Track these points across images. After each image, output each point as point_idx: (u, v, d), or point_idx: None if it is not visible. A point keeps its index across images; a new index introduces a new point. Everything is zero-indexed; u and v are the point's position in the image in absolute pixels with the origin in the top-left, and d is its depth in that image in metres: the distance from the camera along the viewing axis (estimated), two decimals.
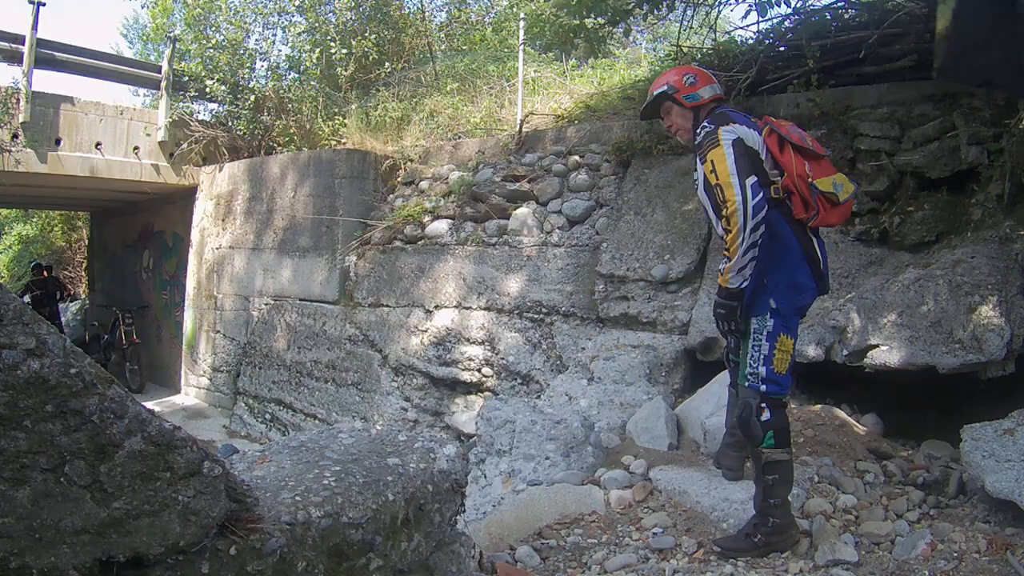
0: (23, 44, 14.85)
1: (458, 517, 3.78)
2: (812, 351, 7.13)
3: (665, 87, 5.37)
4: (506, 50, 17.89)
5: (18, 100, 14.72)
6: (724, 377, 6.55)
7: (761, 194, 4.73)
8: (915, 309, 6.82)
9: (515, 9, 17.63)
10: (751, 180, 4.72)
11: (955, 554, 4.60)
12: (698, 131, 5.10)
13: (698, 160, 5.05)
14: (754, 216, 4.70)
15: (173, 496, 2.38)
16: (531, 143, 11.83)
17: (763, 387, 4.92)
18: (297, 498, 2.91)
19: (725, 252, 4.94)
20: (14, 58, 15.00)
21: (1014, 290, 6.59)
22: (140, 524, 2.29)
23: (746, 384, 5.00)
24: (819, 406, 7.01)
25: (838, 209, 5.04)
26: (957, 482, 5.73)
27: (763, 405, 4.90)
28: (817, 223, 5.02)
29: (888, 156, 8.29)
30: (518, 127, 12.13)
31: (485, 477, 6.33)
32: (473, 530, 4.67)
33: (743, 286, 4.87)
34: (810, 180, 4.95)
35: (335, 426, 3.84)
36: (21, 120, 14.62)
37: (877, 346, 6.88)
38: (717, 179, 4.80)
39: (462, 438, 9.62)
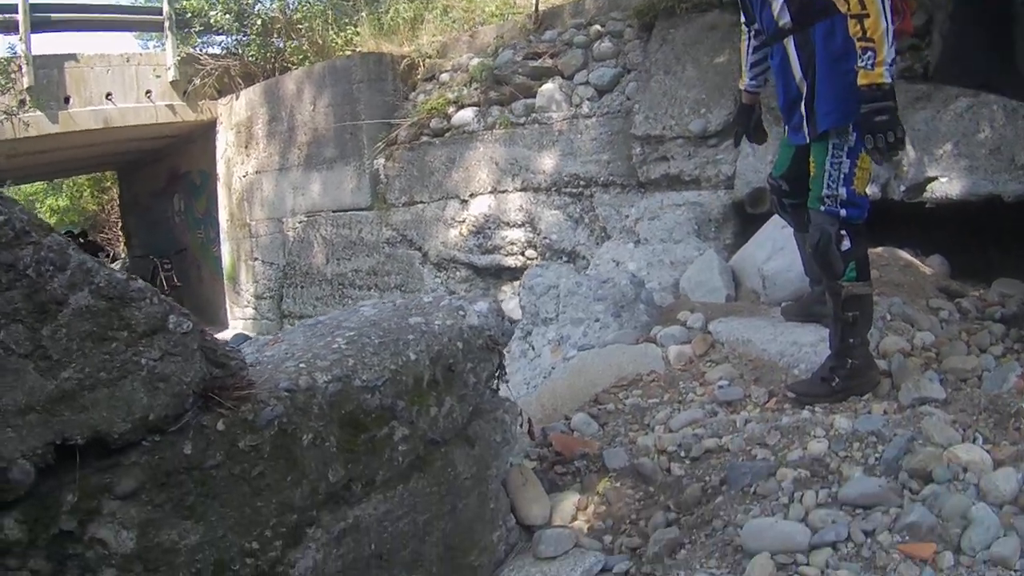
0: (16, 12, 14.60)
1: (500, 382, 3.46)
2: (868, 189, 6.71)
3: None
4: None
5: (20, 67, 14.54)
6: (778, 220, 6.14)
7: None
8: (971, 137, 6.41)
9: None
10: None
11: None
12: None
13: None
14: None
15: (134, 360, 2.03)
16: (550, 20, 11.40)
17: (843, 211, 4.33)
18: (301, 365, 2.57)
19: (862, 42, 3.99)
20: (9, 28, 14.88)
21: None
22: (97, 397, 1.95)
23: (822, 208, 4.40)
24: (880, 248, 6.55)
25: (909, 19, 4.46)
26: None
27: (843, 232, 4.34)
28: (899, 29, 4.26)
29: None
30: (535, 5, 11.68)
31: (533, 349, 6.00)
32: (524, 405, 4.31)
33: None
34: None
35: (359, 304, 3.51)
36: (26, 85, 14.45)
37: (935, 178, 6.50)
38: None
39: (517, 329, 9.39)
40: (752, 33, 4.97)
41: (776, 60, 4.65)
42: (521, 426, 3.81)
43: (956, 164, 6.37)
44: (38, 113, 14.54)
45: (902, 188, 6.64)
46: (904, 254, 6.46)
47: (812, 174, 4.44)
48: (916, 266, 6.32)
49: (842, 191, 4.31)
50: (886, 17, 3.92)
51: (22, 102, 14.43)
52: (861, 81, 4.00)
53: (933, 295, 5.86)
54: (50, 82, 14.78)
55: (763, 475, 3.51)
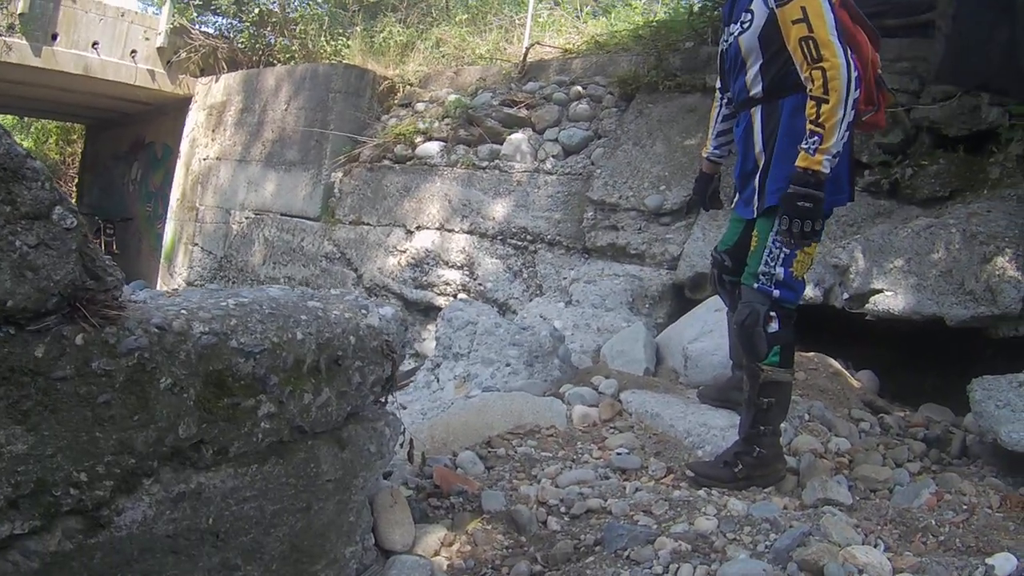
0: None
1: (388, 394, 3.32)
2: (810, 291, 6.68)
3: None
4: None
5: None
6: (713, 302, 6.11)
7: (857, 70, 4.00)
8: (924, 256, 6.36)
9: None
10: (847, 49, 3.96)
11: (964, 507, 4.09)
12: None
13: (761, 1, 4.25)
14: (856, 89, 3.95)
15: (8, 239, 1.93)
16: (535, 72, 11.53)
17: (776, 292, 4.21)
18: (182, 311, 2.43)
19: (812, 125, 3.94)
20: None
21: None
22: None
23: (755, 285, 4.28)
24: (812, 353, 6.53)
25: (883, 113, 4.49)
26: (961, 442, 5.23)
27: (773, 313, 4.23)
28: (871, 121, 4.43)
29: (905, 109, 7.85)
30: (523, 54, 11.80)
31: (438, 381, 5.89)
32: (415, 432, 4.20)
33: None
34: (879, 70, 4.36)
35: (267, 286, 3.38)
36: (19, 11, 14.31)
37: (881, 291, 6.45)
38: (812, 31, 3.95)
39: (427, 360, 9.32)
40: (724, 101, 4.90)
41: (740, 128, 4.58)
42: (402, 446, 3.69)
43: (904, 280, 6.33)
44: (23, 41, 14.49)
45: (845, 296, 6.60)
46: (835, 363, 6.43)
47: (752, 249, 4.34)
48: (845, 377, 6.28)
49: (779, 271, 4.20)
50: (846, 107, 3.87)
51: (11, 27, 14.33)
52: (798, 163, 3.94)
53: (857, 406, 5.82)
54: (43, 14, 14.73)
55: (641, 541, 3.39)
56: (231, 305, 2.61)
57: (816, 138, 3.90)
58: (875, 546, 3.42)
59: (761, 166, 4.36)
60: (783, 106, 4.24)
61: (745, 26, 4.34)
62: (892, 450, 5.05)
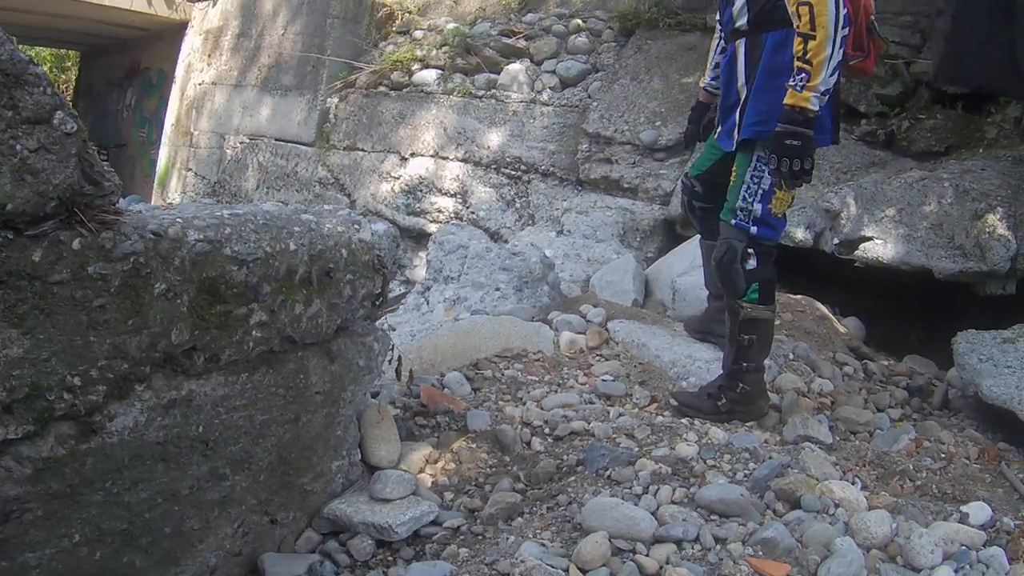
0: None
1: (379, 310, 3.37)
2: (800, 234, 6.72)
3: None
4: None
5: None
6: None
7: (847, 8, 3.95)
8: (916, 208, 6.40)
9: None
10: None
11: (942, 455, 4.18)
12: None
13: None
14: (843, 27, 3.90)
15: (10, 143, 1.97)
16: (534, 4, 11.44)
17: (754, 228, 4.18)
18: (178, 220, 2.46)
19: (800, 62, 3.89)
20: None
21: None
22: None
23: (732, 221, 4.27)
24: (800, 295, 6.56)
25: (873, 60, 4.40)
26: (943, 395, 5.29)
27: (751, 250, 4.20)
28: (859, 67, 4.37)
29: (905, 62, 7.92)
30: None
31: (428, 304, 5.92)
32: (403, 352, 4.23)
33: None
34: (872, 17, 4.26)
35: (262, 203, 3.41)
36: None
37: (871, 239, 6.48)
38: None
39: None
40: (721, 33, 4.82)
41: (725, 60, 4.56)
42: (391, 363, 3.73)
43: (895, 230, 6.36)
44: None
45: (836, 241, 6.63)
46: (822, 307, 6.47)
47: (731, 183, 4.32)
48: (831, 321, 6.33)
49: (757, 207, 4.18)
50: (834, 45, 3.84)
51: None
52: (786, 100, 3.90)
53: (842, 351, 5.87)
54: None
55: (622, 462, 3.45)
56: (226, 215, 2.65)
57: (803, 75, 3.86)
58: (852, 483, 3.48)
59: (742, 99, 4.33)
60: (766, 40, 4.19)
61: None
62: (874, 395, 5.12)
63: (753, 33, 4.27)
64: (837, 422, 4.58)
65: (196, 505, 2.69)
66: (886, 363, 5.94)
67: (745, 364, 4.34)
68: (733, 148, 4.36)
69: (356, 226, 3.13)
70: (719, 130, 4.64)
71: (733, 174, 4.32)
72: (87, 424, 2.29)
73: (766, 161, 4.10)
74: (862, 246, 6.52)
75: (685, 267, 6.19)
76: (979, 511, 3.32)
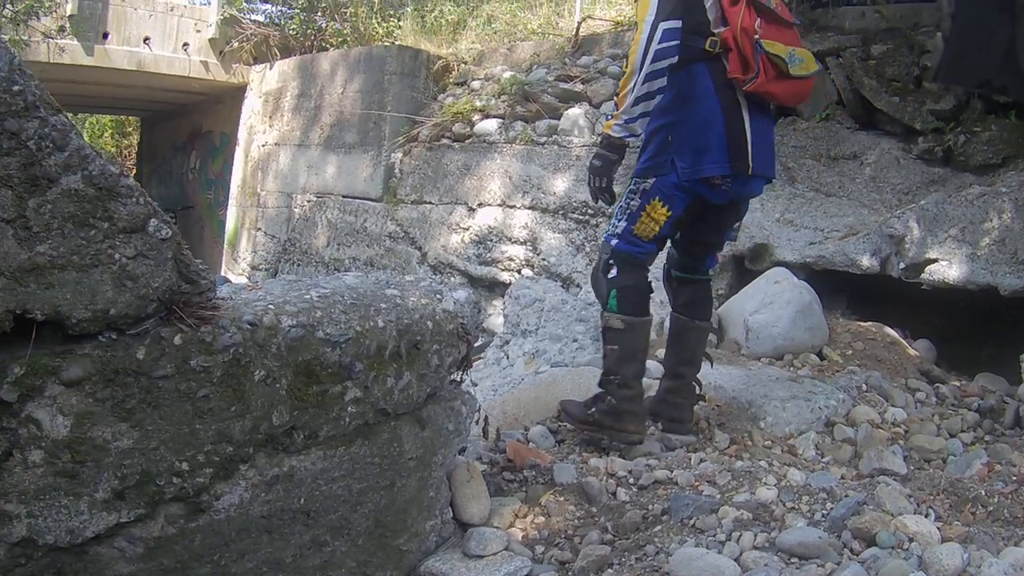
0: None
1: (464, 374, 3.46)
2: (867, 261, 6.75)
3: None
4: None
5: None
6: (772, 274, 6.22)
7: (675, 41, 4.08)
8: (978, 225, 6.41)
9: None
10: (668, 23, 4.06)
11: (1014, 478, 4.16)
12: None
13: None
14: (654, 61, 4.06)
15: (109, 252, 2.08)
16: (588, 46, 11.59)
17: (614, 241, 4.45)
18: (270, 306, 2.58)
19: (616, 96, 4.35)
20: None
21: None
22: (66, 278, 2.00)
23: (603, 237, 4.61)
24: (870, 323, 6.60)
25: (787, 82, 4.31)
26: (1014, 413, 5.26)
27: (611, 261, 4.45)
28: (754, 88, 4.23)
29: None
30: (575, 29, 11.83)
31: (508, 358, 6.01)
32: (487, 408, 4.32)
33: (628, 139, 4.35)
34: (757, 37, 4.22)
35: (343, 274, 3.52)
36: (68, 12, 14.44)
37: (936, 260, 6.51)
38: (637, 17, 4.27)
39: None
40: None
41: None
42: (477, 423, 3.82)
43: (958, 250, 6.38)
44: (75, 42, 14.59)
45: (901, 265, 6.65)
46: (892, 332, 6.49)
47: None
48: (902, 346, 6.34)
49: (621, 225, 4.43)
50: (637, 79, 4.07)
51: (62, 28, 14.42)
52: (602, 129, 4.47)
53: (914, 376, 5.90)
54: (92, 14, 14.83)
55: (705, 510, 3.51)
56: (314, 297, 2.75)
57: (614, 106, 4.34)
58: (926, 515, 3.51)
59: None
60: None
61: None
62: (947, 420, 5.14)
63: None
64: (911, 451, 4.61)
65: (299, 571, 2.78)
66: (957, 384, 5.96)
67: (611, 376, 4.44)
68: None
69: (438, 296, 3.22)
70: None
71: None
72: (195, 504, 2.39)
73: (636, 189, 4.42)
74: (928, 268, 6.53)
75: (756, 305, 6.22)
76: None
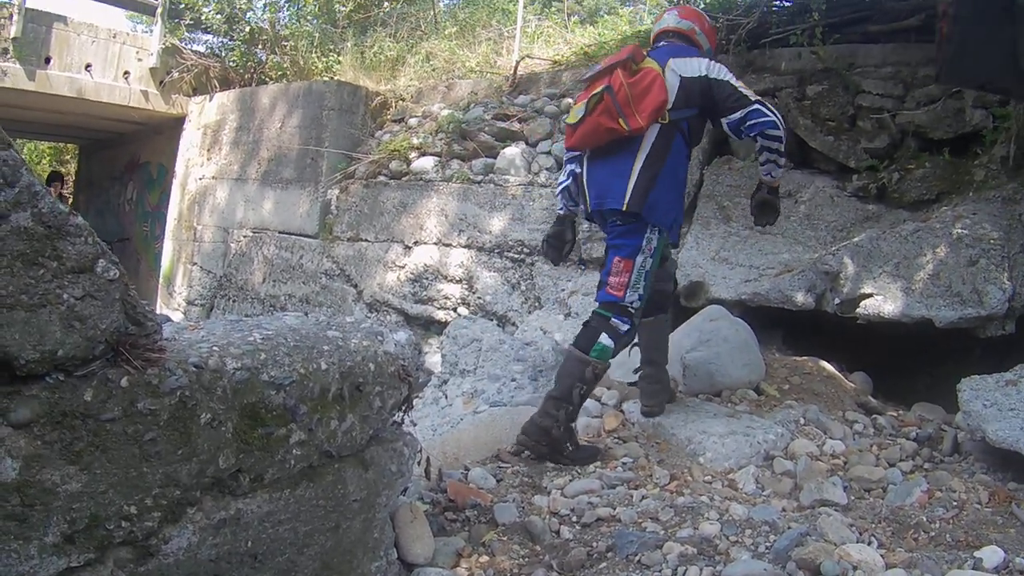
0: None
1: (405, 415, 3.48)
2: (802, 298, 6.86)
3: None
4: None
5: (11, 15, 14.32)
6: (708, 312, 6.34)
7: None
8: (912, 260, 6.57)
9: None
10: None
11: (954, 503, 4.28)
12: None
13: None
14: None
15: (57, 292, 2.07)
16: (525, 86, 11.69)
17: None
18: (214, 348, 2.58)
19: None
20: None
21: (1016, 248, 6.38)
22: (14, 317, 1.98)
23: None
24: (807, 357, 6.71)
25: (575, 130, 5.19)
26: (952, 440, 5.40)
27: None
28: (567, 147, 5.54)
29: (890, 114, 8.10)
30: (513, 68, 11.97)
31: (446, 397, 6.03)
32: (427, 448, 4.34)
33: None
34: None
35: (283, 313, 3.53)
36: (12, 35, 14.25)
37: (871, 295, 6.65)
38: None
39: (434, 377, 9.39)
40: None
41: None
42: (419, 464, 3.84)
43: (893, 284, 6.53)
44: (17, 66, 14.36)
45: (837, 301, 6.79)
46: (828, 366, 6.61)
47: None
48: (839, 380, 6.45)
49: None
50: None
51: (4, 50, 14.24)
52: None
53: (851, 408, 6.02)
54: (36, 38, 14.63)
55: (650, 546, 3.56)
56: (258, 339, 2.76)
57: None
58: (869, 544, 3.59)
59: None
60: None
61: None
62: (885, 450, 5.23)
63: None
64: (851, 482, 4.69)
65: None
66: (895, 414, 6.08)
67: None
68: None
69: (379, 338, 3.25)
70: None
71: None
72: (144, 548, 2.37)
73: None
74: (863, 303, 6.66)
75: (693, 343, 6.28)
76: (992, 555, 3.41)
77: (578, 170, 5.37)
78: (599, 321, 5.09)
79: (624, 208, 4.95)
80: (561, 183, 5.66)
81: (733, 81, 5.04)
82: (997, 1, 5.85)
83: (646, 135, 4.95)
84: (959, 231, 6.56)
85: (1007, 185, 6.95)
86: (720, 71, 5.07)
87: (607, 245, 5.21)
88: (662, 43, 5.47)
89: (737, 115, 4.95)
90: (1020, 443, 4.52)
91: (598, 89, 4.93)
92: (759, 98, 5.02)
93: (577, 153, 5.44)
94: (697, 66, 5.08)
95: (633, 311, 5.04)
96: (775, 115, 4.93)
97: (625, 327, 5.02)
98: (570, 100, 10.57)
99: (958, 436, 5.38)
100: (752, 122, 4.91)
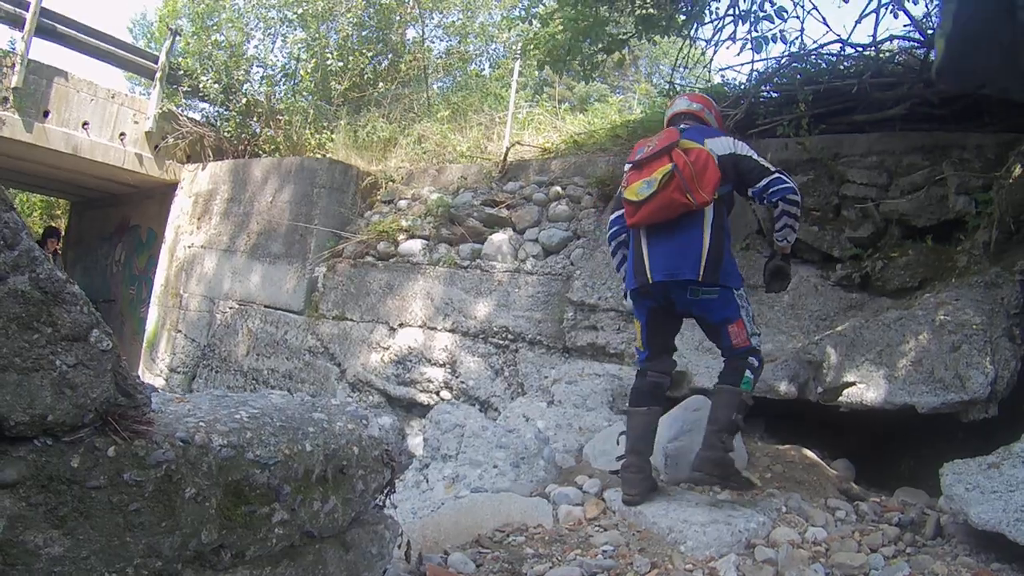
0: (27, 9, 14.51)
1: (387, 498, 3.49)
2: (784, 387, 6.90)
3: None
4: (499, 84, 17.97)
5: (13, 64, 14.39)
6: (691, 403, 6.39)
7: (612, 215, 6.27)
8: (895, 348, 6.60)
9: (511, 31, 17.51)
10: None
11: None
12: None
13: None
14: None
15: (50, 358, 2.08)
16: (515, 172, 11.81)
17: None
18: (201, 424, 2.60)
19: None
20: (16, 22, 14.65)
21: (999, 332, 6.41)
22: (6, 379, 1.99)
23: None
24: (789, 445, 6.73)
25: (640, 210, 5.59)
26: (935, 524, 5.38)
27: None
28: (630, 224, 5.79)
29: (874, 203, 8.23)
30: (503, 154, 12.07)
31: (427, 481, 6.02)
32: (407, 531, 4.35)
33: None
34: (620, 190, 5.99)
35: (268, 391, 3.55)
36: (13, 84, 14.28)
37: (854, 384, 6.68)
38: None
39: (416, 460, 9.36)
40: None
41: None
42: (400, 547, 3.84)
43: (876, 372, 6.56)
44: (16, 116, 14.35)
45: (820, 390, 6.81)
46: (811, 454, 6.61)
47: None
48: (821, 467, 6.46)
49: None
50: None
51: (4, 99, 14.27)
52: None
53: (833, 495, 6.00)
54: (36, 90, 14.67)
55: None
56: (244, 417, 2.78)
57: None
58: None
59: None
60: None
61: None
62: (867, 536, 5.22)
63: None
64: (833, 568, 4.67)
65: None
66: (877, 500, 6.07)
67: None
68: None
69: (364, 422, 3.27)
70: None
71: None
72: None
73: None
74: (846, 392, 6.68)
75: (675, 432, 6.31)
76: None
77: (633, 246, 5.90)
78: (739, 362, 5.56)
79: (700, 279, 5.43)
80: (620, 264, 6.25)
81: (755, 155, 5.63)
82: (997, 1, 5.94)
83: (707, 209, 5.47)
84: (942, 317, 6.61)
85: (989, 270, 6.98)
86: (743, 147, 5.66)
87: (697, 316, 5.78)
88: (682, 125, 5.92)
89: (761, 183, 5.49)
90: (1003, 524, 4.53)
91: (665, 167, 5.42)
92: (778, 168, 5.58)
93: (623, 234, 6.11)
94: (725, 144, 5.65)
95: (759, 348, 5.64)
96: (793, 183, 5.49)
97: (757, 362, 5.58)
98: (558, 188, 10.68)
99: (941, 520, 5.38)
100: (774, 188, 5.44)
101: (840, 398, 6.71)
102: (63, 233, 24.62)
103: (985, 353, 6.26)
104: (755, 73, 10.56)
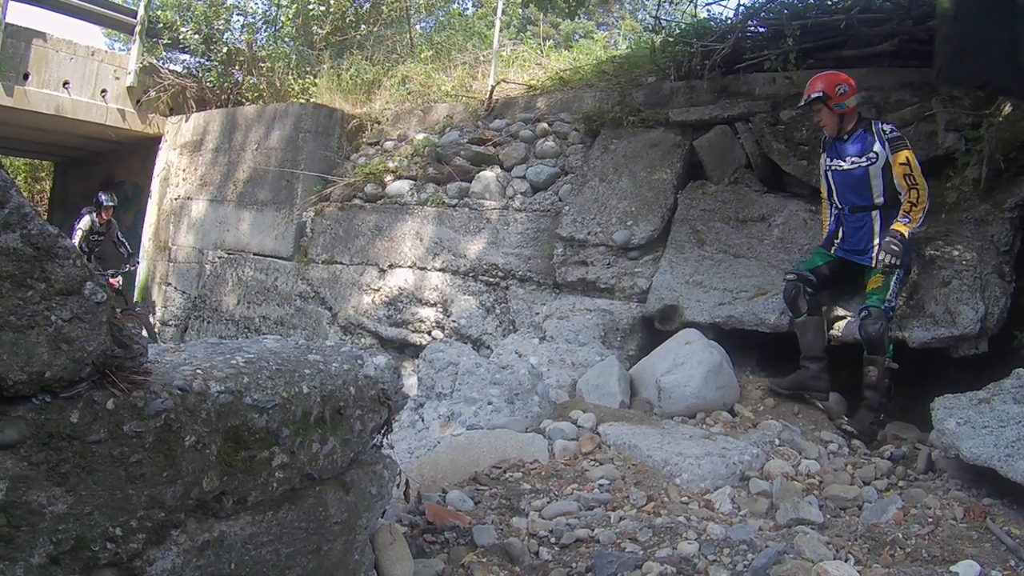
0: None
1: (384, 438, 3.50)
2: (775, 319, 6.94)
3: (820, 93, 6.78)
4: (483, 23, 17.84)
5: None
6: (683, 336, 6.40)
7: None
8: None
9: None
10: None
11: (929, 520, 4.36)
12: (884, 126, 6.74)
13: (884, 145, 6.64)
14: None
15: (45, 314, 2.07)
16: (501, 110, 11.71)
17: (890, 311, 6.38)
18: (198, 371, 2.59)
19: (906, 213, 6.41)
20: None
21: (989, 268, 6.45)
22: (2, 338, 1.98)
23: (882, 307, 6.30)
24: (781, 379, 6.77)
25: None
26: (926, 459, 5.49)
27: (890, 324, 6.36)
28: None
29: None
30: (489, 92, 11.97)
31: (423, 420, 6.03)
32: (405, 471, 4.35)
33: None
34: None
35: (262, 336, 3.54)
36: None
37: (844, 318, 6.71)
38: (911, 171, 6.46)
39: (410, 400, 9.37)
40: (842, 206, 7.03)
41: (854, 220, 6.88)
42: (398, 486, 3.85)
43: None
44: None
45: None
46: None
47: (878, 286, 6.40)
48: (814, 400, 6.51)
49: (892, 300, 6.40)
50: (924, 213, 6.52)
51: None
52: (899, 227, 6.44)
53: (826, 429, 6.08)
54: (15, 54, 14.53)
55: (629, 566, 3.57)
56: (240, 362, 2.77)
57: (905, 218, 6.43)
58: (846, 560, 3.64)
59: (877, 243, 6.59)
60: (893, 211, 6.57)
61: (872, 160, 6.67)
62: (860, 469, 5.33)
63: (886, 208, 6.65)
64: (827, 501, 4.75)
65: None
66: None
67: (884, 399, 6.24)
68: (872, 264, 6.55)
69: (359, 362, 3.27)
70: (839, 244, 6.95)
71: (878, 281, 6.43)
72: (129, 569, 2.36)
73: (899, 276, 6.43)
74: (836, 325, 6.75)
75: (668, 366, 6.34)
76: (968, 569, 3.48)
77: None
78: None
79: None
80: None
81: None
82: (997, 1, 5.90)
83: None
84: (932, 252, 6.64)
85: (979, 207, 7.01)
86: None
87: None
88: None
89: None
90: (994, 459, 4.58)
91: None
92: None
93: None
94: None
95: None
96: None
97: None
98: (545, 125, 10.64)
99: (932, 454, 5.46)
100: None
101: (832, 331, 6.74)
102: (47, 195, 24.48)
103: (975, 289, 6.30)
104: (742, 7, 10.50)
